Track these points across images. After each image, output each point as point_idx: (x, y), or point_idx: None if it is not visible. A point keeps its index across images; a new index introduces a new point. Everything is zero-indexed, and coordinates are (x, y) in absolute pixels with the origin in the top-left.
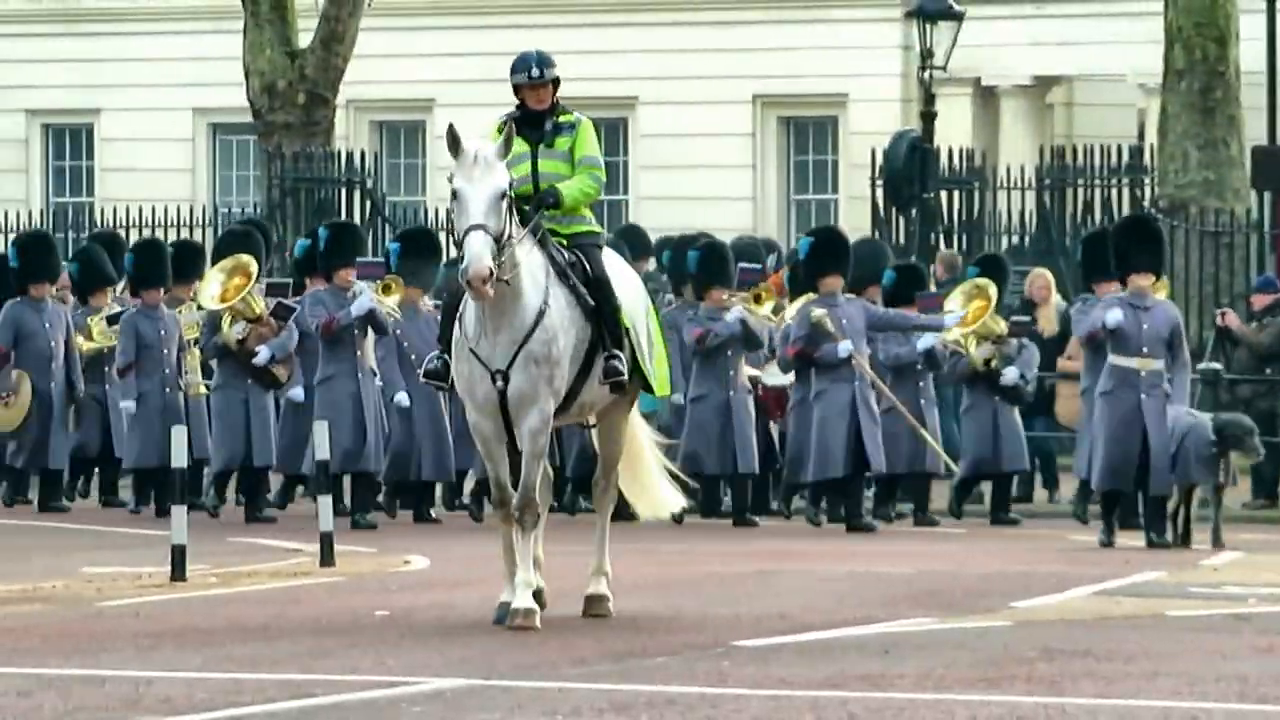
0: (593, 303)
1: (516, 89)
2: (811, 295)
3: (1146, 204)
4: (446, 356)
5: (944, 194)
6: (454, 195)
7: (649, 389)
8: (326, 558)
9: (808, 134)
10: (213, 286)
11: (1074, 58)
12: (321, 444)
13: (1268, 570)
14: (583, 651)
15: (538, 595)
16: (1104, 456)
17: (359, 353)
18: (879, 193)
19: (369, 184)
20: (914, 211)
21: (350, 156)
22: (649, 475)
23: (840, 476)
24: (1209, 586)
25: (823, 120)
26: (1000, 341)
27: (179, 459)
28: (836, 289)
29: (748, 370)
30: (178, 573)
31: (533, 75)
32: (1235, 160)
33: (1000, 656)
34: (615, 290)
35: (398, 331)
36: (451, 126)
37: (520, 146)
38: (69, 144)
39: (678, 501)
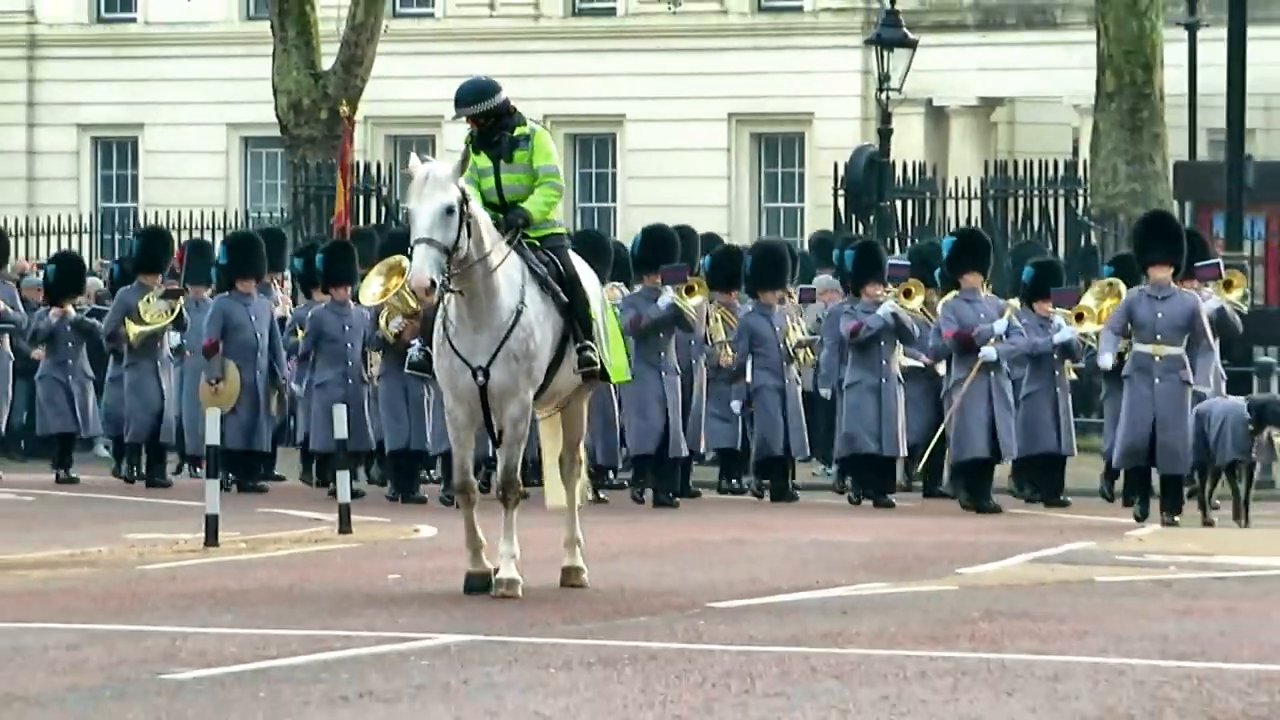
0: (566, 299)
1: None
2: (955, 292)
3: (1080, 213)
4: (428, 349)
5: (899, 203)
6: (407, 214)
7: (605, 377)
8: (345, 526)
9: (777, 149)
10: (374, 286)
11: (1016, 81)
12: (340, 424)
13: (1188, 540)
14: (573, 611)
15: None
16: (1121, 438)
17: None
18: (841, 202)
19: (384, 192)
20: (872, 218)
21: (367, 167)
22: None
23: (983, 458)
24: (1134, 555)
25: (791, 136)
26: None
27: (212, 437)
28: (977, 285)
29: (905, 361)
30: (211, 539)
31: (469, 114)
32: (1160, 174)
33: (947, 617)
34: (584, 286)
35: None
36: (412, 158)
37: (484, 162)
38: (115, 155)
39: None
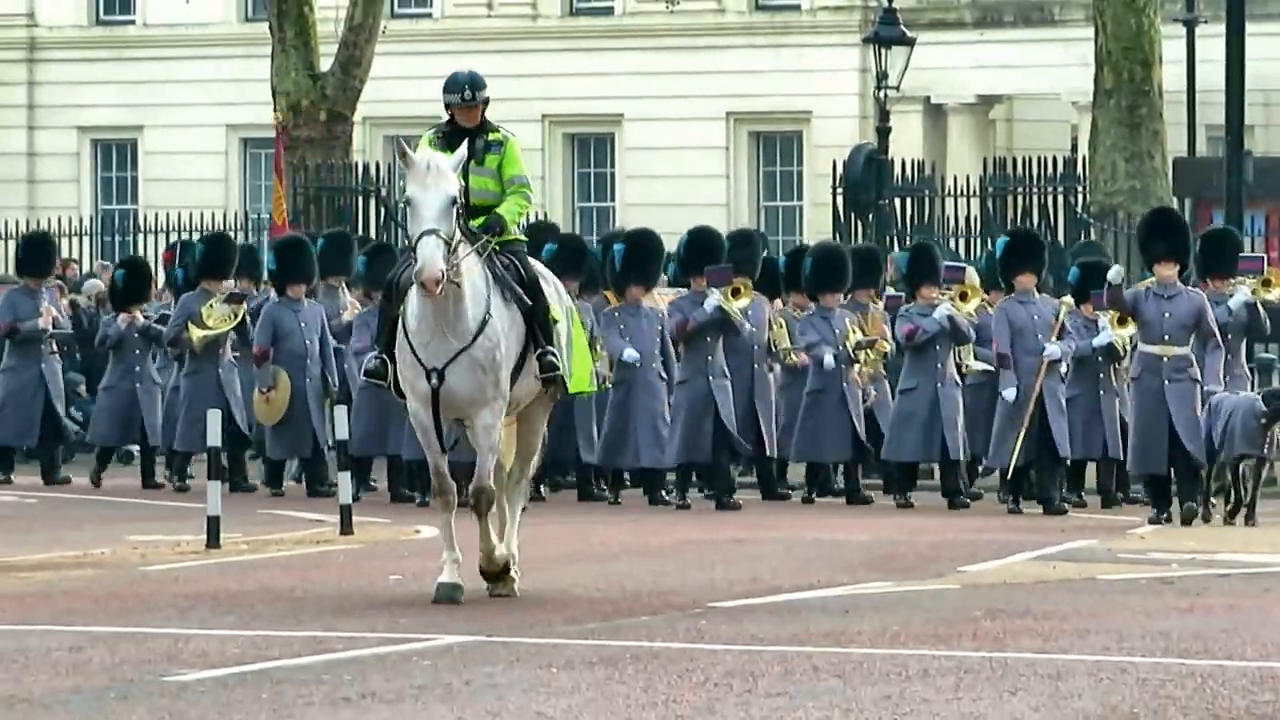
0: (529, 302)
1: (448, 107)
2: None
3: (1079, 210)
4: (385, 356)
5: (898, 201)
6: (408, 202)
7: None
8: (346, 527)
9: (775, 147)
10: None
11: (1014, 79)
12: (341, 425)
13: (1189, 538)
14: (575, 611)
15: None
16: (1134, 443)
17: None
18: (839, 200)
19: (383, 192)
20: (871, 217)
21: (367, 168)
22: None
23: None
24: (1136, 553)
25: (789, 135)
26: None
27: (214, 438)
28: (1030, 286)
29: (977, 365)
30: (213, 540)
31: (465, 97)
32: (1158, 170)
33: (949, 616)
34: (544, 291)
35: (621, 326)
36: (399, 140)
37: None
38: (115, 157)
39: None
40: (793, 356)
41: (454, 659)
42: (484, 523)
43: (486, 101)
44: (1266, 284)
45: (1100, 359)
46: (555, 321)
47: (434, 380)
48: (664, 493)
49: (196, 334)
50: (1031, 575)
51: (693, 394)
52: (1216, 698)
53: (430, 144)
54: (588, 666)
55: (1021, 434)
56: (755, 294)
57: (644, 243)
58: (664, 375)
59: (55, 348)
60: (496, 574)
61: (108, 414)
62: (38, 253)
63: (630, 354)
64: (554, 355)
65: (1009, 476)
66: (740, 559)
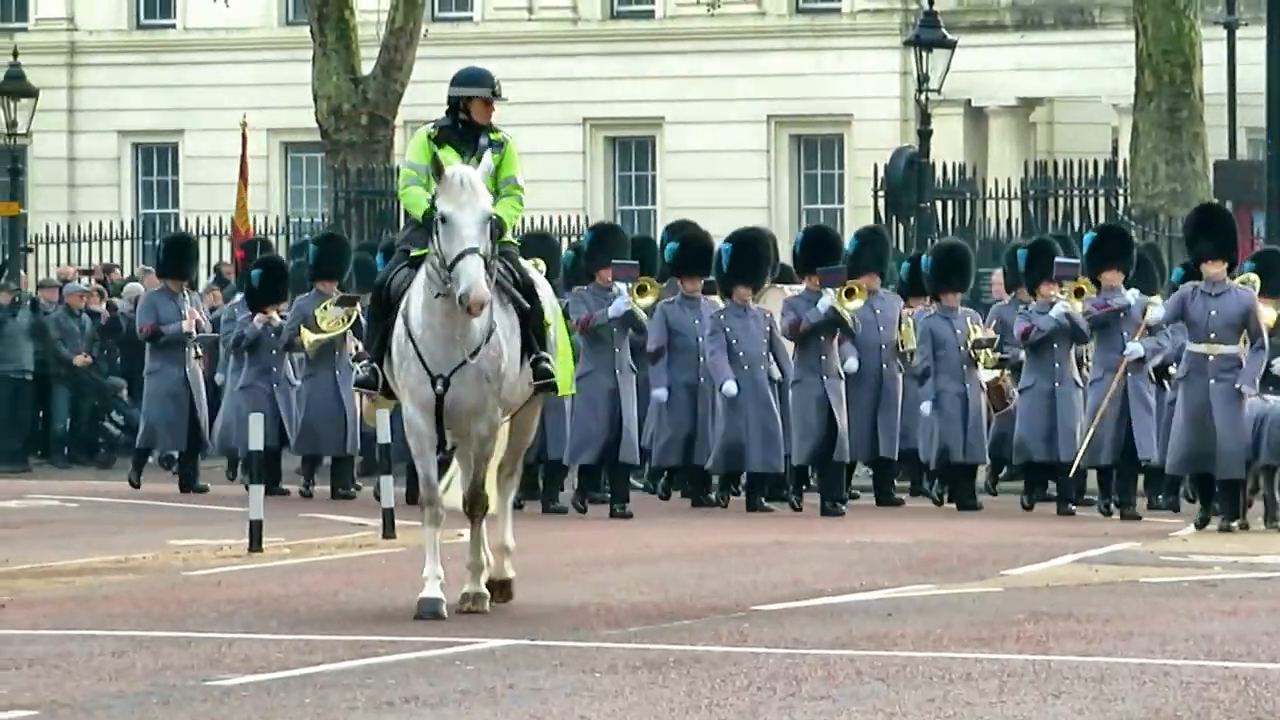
0: (527, 305)
1: (466, 100)
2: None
3: (1120, 213)
4: (375, 365)
5: (939, 204)
6: (443, 219)
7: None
8: (388, 531)
9: (816, 150)
10: None
11: (1054, 81)
12: (384, 428)
13: (1231, 541)
14: (617, 615)
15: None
16: (1178, 443)
17: (617, 350)
18: (880, 203)
19: None
20: (912, 219)
21: None
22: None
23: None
24: (1178, 555)
25: (830, 138)
26: (1271, 334)
27: (256, 442)
28: (1118, 284)
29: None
30: (255, 544)
31: (494, 92)
32: (1199, 173)
33: (992, 619)
34: (539, 295)
35: (728, 329)
36: (435, 155)
37: (451, 156)
38: (156, 161)
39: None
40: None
41: (497, 663)
42: (478, 529)
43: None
44: (1079, 293)
45: (1056, 346)
46: (548, 325)
47: (439, 387)
48: (763, 499)
49: (309, 337)
50: (1074, 578)
51: (806, 395)
52: (1260, 700)
53: (428, 139)
54: (631, 670)
55: (1090, 434)
56: (886, 293)
57: (751, 242)
58: (773, 377)
59: (199, 351)
60: (491, 589)
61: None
62: (179, 254)
63: (730, 387)
64: (548, 362)
65: (1069, 476)
66: (782, 562)
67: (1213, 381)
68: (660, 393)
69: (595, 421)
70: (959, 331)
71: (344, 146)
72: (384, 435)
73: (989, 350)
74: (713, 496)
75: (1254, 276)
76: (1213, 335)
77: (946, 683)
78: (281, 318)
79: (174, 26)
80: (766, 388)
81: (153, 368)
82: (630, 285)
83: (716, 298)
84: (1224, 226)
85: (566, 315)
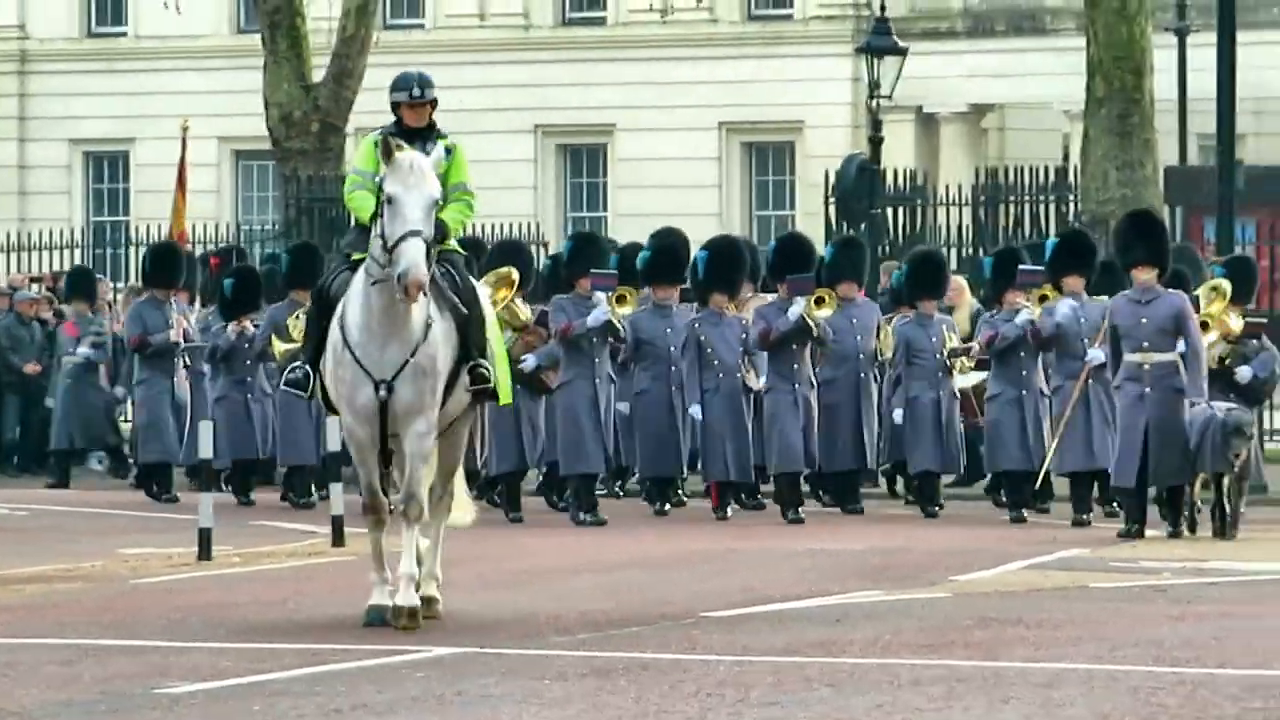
0: (465, 311)
1: (396, 106)
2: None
3: (1071, 219)
4: (309, 367)
5: (890, 210)
6: (389, 200)
7: (495, 396)
8: (338, 539)
9: (768, 157)
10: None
11: (1005, 88)
12: (331, 436)
13: (1180, 547)
14: (567, 622)
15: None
16: (1117, 453)
17: (596, 359)
18: (832, 210)
19: None
20: (863, 226)
21: None
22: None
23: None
24: (1128, 561)
25: (781, 145)
26: (1237, 341)
27: (206, 450)
28: (1079, 289)
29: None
30: (204, 553)
31: (414, 95)
32: (1150, 179)
33: (941, 625)
34: (480, 301)
35: (702, 337)
36: (386, 137)
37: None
38: (107, 169)
39: (468, 515)
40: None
41: (446, 670)
42: (411, 532)
43: (435, 102)
44: (1043, 299)
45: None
46: (487, 337)
47: (382, 392)
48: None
49: (280, 346)
50: (1023, 584)
51: (779, 403)
52: (1208, 705)
53: (374, 146)
54: (580, 678)
55: (1055, 443)
56: (864, 301)
57: (727, 250)
58: (752, 386)
59: (187, 360)
60: (424, 600)
61: (225, 428)
62: (165, 263)
63: (695, 412)
64: (485, 368)
65: (1038, 484)
66: (734, 568)
67: (1148, 389)
68: (695, 410)
69: (581, 431)
70: (934, 339)
71: (295, 154)
72: (333, 443)
73: (964, 359)
74: (684, 499)
75: (1224, 282)
76: (1146, 344)
77: (895, 689)
78: (255, 327)
79: (125, 34)
80: (739, 397)
81: (140, 378)
82: (609, 295)
83: (684, 305)
84: (1155, 233)
85: (543, 323)
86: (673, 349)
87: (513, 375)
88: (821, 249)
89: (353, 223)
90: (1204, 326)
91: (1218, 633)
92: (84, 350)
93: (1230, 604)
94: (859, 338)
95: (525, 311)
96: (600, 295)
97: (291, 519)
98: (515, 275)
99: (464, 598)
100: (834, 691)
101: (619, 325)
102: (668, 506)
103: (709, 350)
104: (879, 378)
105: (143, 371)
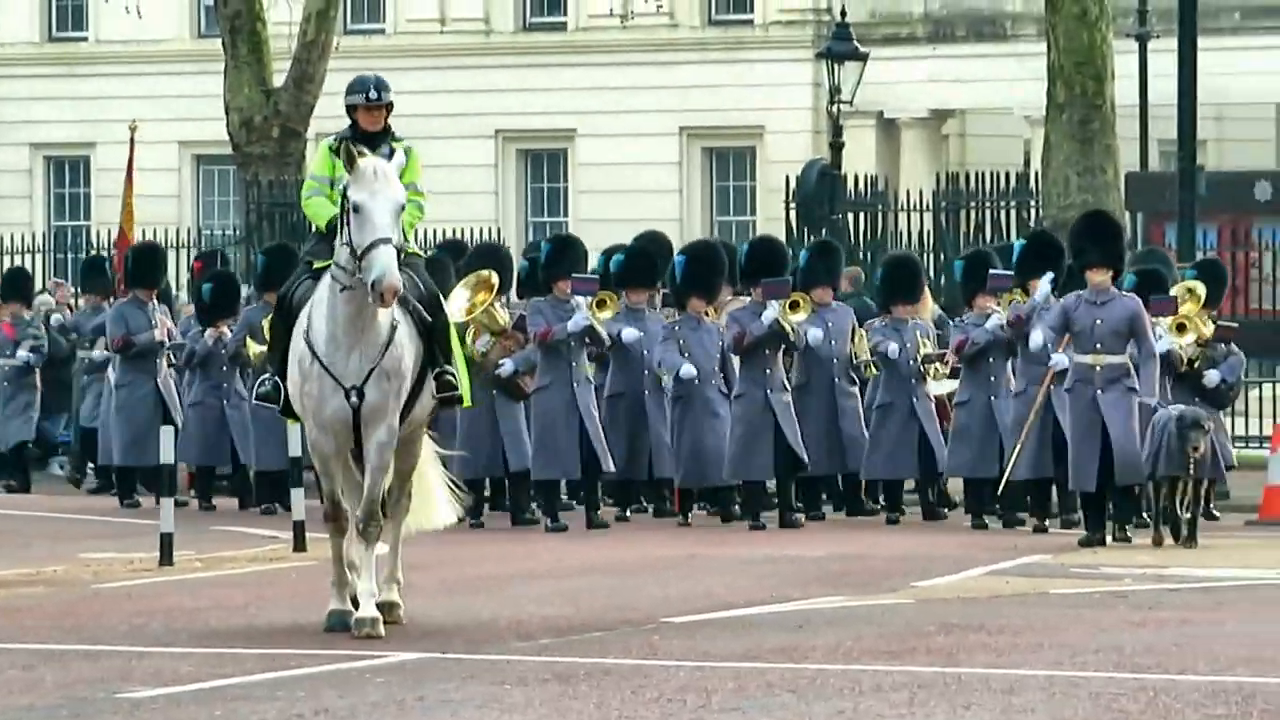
0: (429, 318)
1: (351, 110)
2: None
3: (1032, 225)
4: (278, 379)
5: (850, 215)
6: (355, 209)
7: (461, 402)
8: (299, 544)
9: (728, 162)
10: (458, 301)
11: (966, 93)
12: (293, 442)
13: (1141, 553)
14: (529, 627)
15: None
16: (1070, 457)
17: (574, 363)
18: (793, 215)
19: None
20: (824, 231)
21: None
22: (429, 488)
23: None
24: (1088, 567)
25: (742, 150)
26: (1207, 344)
27: (167, 456)
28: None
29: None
30: (166, 558)
31: (370, 97)
32: (1111, 185)
33: (903, 631)
34: (444, 307)
35: (680, 341)
36: (346, 143)
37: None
38: (68, 173)
39: (451, 514)
40: (872, 369)
41: (407, 675)
42: (370, 554)
43: (390, 106)
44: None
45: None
46: (452, 343)
47: (354, 399)
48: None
49: (254, 349)
50: (985, 590)
51: (750, 408)
52: (1169, 712)
53: (330, 151)
54: (541, 683)
55: (1018, 447)
56: (840, 305)
57: (705, 254)
58: (724, 390)
59: (171, 360)
60: (384, 605)
61: (198, 433)
62: (147, 264)
63: (688, 369)
64: (452, 375)
65: (1000, 490)
66: (695, 574)
67: (1100, 391)
68: (687, 369)
69: (560, 435)
70: (909, 344)
71: (255, 159)
72: (294, 448)
73: (938, 364)
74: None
75: (1199, 285)
76: (1099, 345)
77: (857, 695)
78: (232, 332)
79: (86, 39)
80: (714, 402)
81: (123, 380)
82: (590, 299)
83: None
84: (1110, 235)
85: (521, 327)
86: (645, 353)
87: (491, 380)
88: None
89: (312, 229)
90: (1181, 329)
91: (1179, 639)
92: (22, 354)
93: (1191, 610)
94: (833, 342)
95: (504, 315)
96: (580, 300)
97: (253, 524)
98: (495, 279)
99: (426, 602)
100: (796, 697)
101: (600, 330)
102: (629, 511)
103: (686, 355)
104: (855, 382)
105: (124, 373)
